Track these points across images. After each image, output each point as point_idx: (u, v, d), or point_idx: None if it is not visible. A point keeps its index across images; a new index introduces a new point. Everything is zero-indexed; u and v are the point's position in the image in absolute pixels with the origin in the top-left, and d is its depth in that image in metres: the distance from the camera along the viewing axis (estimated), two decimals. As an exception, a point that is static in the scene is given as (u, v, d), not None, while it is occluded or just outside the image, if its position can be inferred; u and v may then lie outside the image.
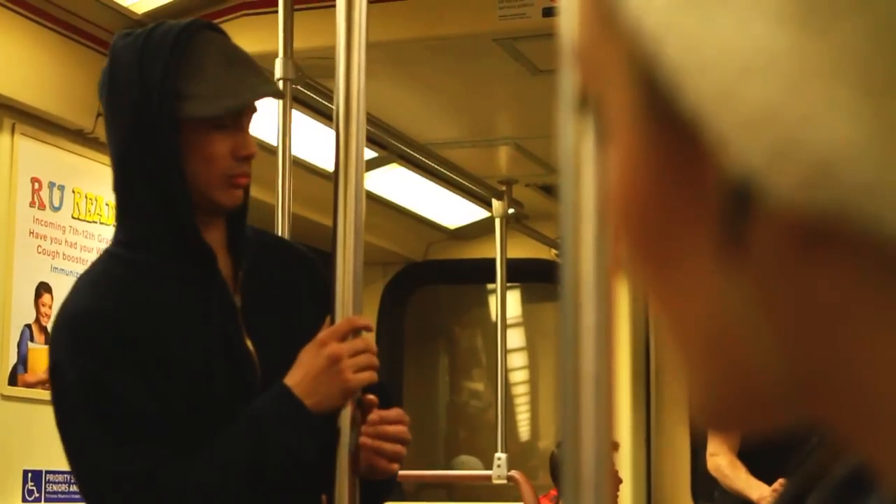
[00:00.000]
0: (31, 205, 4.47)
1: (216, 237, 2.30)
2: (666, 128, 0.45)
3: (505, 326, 5.82)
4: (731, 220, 0.43)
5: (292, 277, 2.40)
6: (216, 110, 2.23)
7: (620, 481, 5.04)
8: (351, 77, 2.38)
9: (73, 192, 4.72)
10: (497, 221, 5.79)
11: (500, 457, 5.53)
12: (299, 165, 4.69)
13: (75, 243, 4.73)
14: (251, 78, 2.27)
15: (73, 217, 4.72)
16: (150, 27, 2.30)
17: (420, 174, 5.98)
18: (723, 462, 4.92)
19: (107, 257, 2.30)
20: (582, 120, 0.98)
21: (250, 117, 2.32)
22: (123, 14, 4.58)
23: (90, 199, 4.81)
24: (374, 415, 2.33)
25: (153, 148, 2.21)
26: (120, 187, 2.27)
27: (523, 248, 6.45)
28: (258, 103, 2.33)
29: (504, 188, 5.91)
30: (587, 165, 0.99)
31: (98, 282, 2.25)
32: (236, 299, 2.28)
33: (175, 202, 2.22)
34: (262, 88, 2.30)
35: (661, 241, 0.47)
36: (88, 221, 4.81)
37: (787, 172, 0.41)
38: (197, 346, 2.21)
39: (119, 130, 2.25)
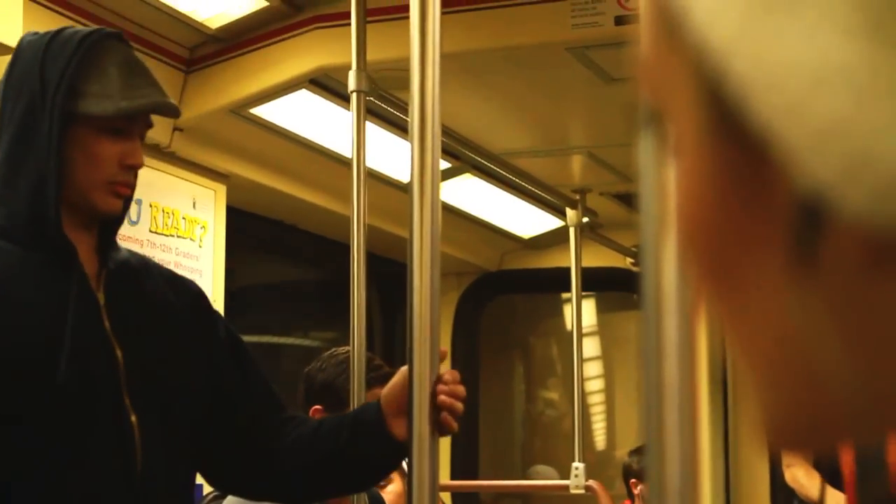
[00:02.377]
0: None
1: (84, 238, 2.33)
2: (733, 143, 0.44)
3: (580, 335, 5.80)
4: (802, 237, 0.43)
5: (165, 289, 2.43)
6: (108, 109, 2.26)
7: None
8: (425, 88, 2.38)
9: (151, 206, 4.77)
10: (571, 230, 5.77)
11: (578, 466, 5.50)
12: (374, 177, 4.71)
13: (153, 256, 4.77)
14: (149, 88, 2.31)
15: (150, 231, 4.77)
16: (58, 29, 2.36)
17: (494, 184, 5.97)
18: (799, 472, 4.87)
19: None
20: (656, 131, 0.98)
21: (144, 130, 2.35)
22: (198, 29, 4.62)
23: (167, 212, 4.86)
24: (449, 374, 2.36)
25: (37, 137, 2.25)
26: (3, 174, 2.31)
27: (598, 257, 6.43)
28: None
29: (578, 197, 5.89)
30: (667, 173, 0.99)
31: None
32: (99, 296, 2.30)
33: (43, 194, 2.25)
34: (159, 100, 2.32)
35: (728, 260, 0.46)
36: (166, 235, 4.85)
37: (859, 186, 0.41)
38: (43, 333, 2.22)
39: (11, 119, 2.30)
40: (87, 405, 2.23)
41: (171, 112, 2.38)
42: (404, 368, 2.43)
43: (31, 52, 2.32)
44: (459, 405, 2.35)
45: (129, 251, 2.47)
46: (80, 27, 2.38)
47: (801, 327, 0.44)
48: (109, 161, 2.29)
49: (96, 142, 2.29)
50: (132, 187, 2.35)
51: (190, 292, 2.51)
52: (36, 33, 2.39)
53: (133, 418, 2.28)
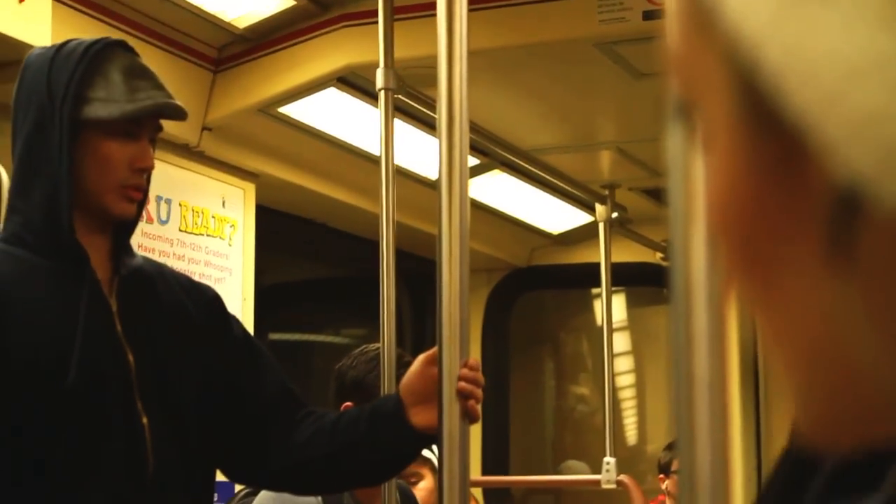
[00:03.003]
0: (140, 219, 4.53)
1: (98, 243, 2.36)
2: (768, 135, 0.44)
3: (611, 330, 5.79)
4: (838, 228, 0.42)
5: (179, 295, 2.45)
6: (114, 113, 2.29)
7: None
8: (453, 85, 2.39)
9: (180, 205, 4.79)
10: (601, 226, 5.76)
11: (609, 461, 5.50)
12: (403, 174, 4.71)
13: (183, 255, 4.79)
14: (153, 91, 2.33)
15: (180, 230, 4.78)
16: (63, 42, 2.41)
17: (523, 180, 5.97)
18: None
19: None
20: (685, 125, 0.98)
21: (153, 133, 2.37)
22: (226, 29, 4.63)
23: (196, 212, 4.88)
24: (473, 361, 2.37)
25: (48, 147, 2.29)
26: (13, 186, 2.35)
27: (627, 252, 6.42)
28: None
29: (607, 192, 5.88)
30: (696, 168, 0.99)
31: None
32: (112, 301, 2.31)
33: (56, 200, 2.27)
34: (162, 101, 2.34)
35: (762, 252, 0.46)
36: (195, 234, 4.87)
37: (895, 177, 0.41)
38: (55, 338, 2.24)
39: (21, 132, 2.35)
40: (98, 408, 2.26)
41: (177, 114, 2.39)
42: (421, 357, 2.45)
43: (37, 66, 2.37)
44: (479, 392, 2.36)
45: (145, 258, 2.49)
46: (85, 38, 2.40)
47: (838, 320, 0.44)
48: (119, 165, 2.32)
49: (105, 146, 2.32)
50: (144, 191, 2.37)
51: (204, 297, 2.53)
52: (42, 47, 2.44)
53: (144, 420, 2.30)
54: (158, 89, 2.36)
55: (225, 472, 2.62)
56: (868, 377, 0.44)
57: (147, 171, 2.36)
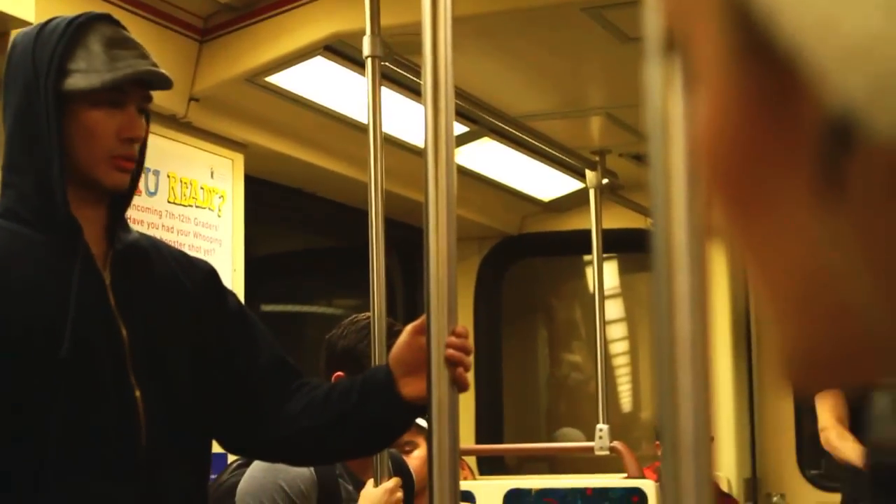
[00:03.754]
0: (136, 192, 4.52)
1: (93, 217, 2.36)
2: (760, 64, 0.43)
3: (603, 297, 5.79)
4: (829, 158, 0.41)
5: (174, 269, 2.46)
6: (94, 83, 2.30)
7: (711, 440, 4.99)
8: (438, 51, 2.37)
9: (168, 176, 4.77)
10: (591, 192, 5.76)
11: (602, 428, 5.51)
12: (391, 143, 4.70)
13: (172, 227, 4.78)
14: (134, 59, 2.33)
15: (168, 201, 4.77)
16: (47, 20, 2.43)
17: (513, 147, 5.96)
18: (832, 435, 4.86)
19: None
20: (670, 80, 0.97)
21: (141, 102, 2.36)
22: (212, -1, 4.61)
23: (185, 183, 4.86)
24: (462, 328, 2.36)
25: (37, 122, 2.30)
26: (5, 162, 2.37)
27: (618, 219, 6.41)
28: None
29: (597, 158, 5.87)
30: (676, 127, 0.98)
31: None
32: (105, 275, 2.32)
33: (49, 174, 2.28)
34: (143, 69, 2.33)
35: (752, 186, 0.45)
36: (184, 205, 4.86)
37: (890, 106, 0.40)
38: (47, 311, 2.25)
39: (10, 110, 2.37)
40: (90, 381, 2.26)
41: (161, 82, 2.39)
42: (409, 327, 2.45)
43: (23, 45, 2.39)
44: (468, 360, 2.36)
45: (141, 233, 2.49)
46: (67, 15, 2.41)
47: (827, 254, 0.43)
48: (107, 135, 2.32)
49: (91, 117, 2.32)
50: (134, 160, 2.36)
51: (200, 271, 2.53)
52: (29, 27, 2.46)
53: (137, 393, 2.30)
54: (141, 58, 2.36)
55: (220, 443, 2.63)
56: (856, 314, 0.43)
57: (136, 140, 2.35)
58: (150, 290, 2.40)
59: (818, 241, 0.43)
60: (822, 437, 4.94)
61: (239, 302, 2.59)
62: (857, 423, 4.83)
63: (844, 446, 4.81)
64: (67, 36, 2.33)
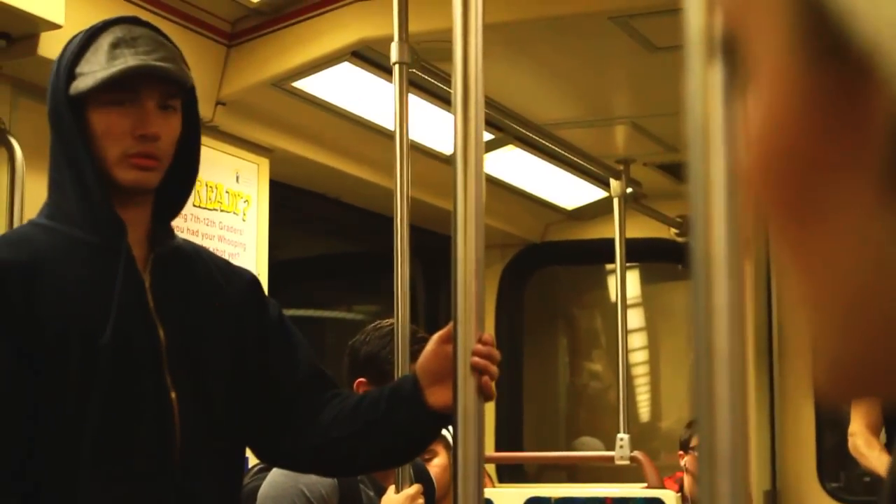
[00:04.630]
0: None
1: (135, 220, 2.37)
2: (830, 62, 0.43)
3: (625, 306, 5.78)
4: None
5: (215, 276, 2.46)
6: (89, 83, 2.31)
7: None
8: (468, 59, 2.37)
9: (195, 180, 4.78)
10: (615, 201, 5.75)
11: (623, 437, 5.50)
12: (417, 149, 4.70)
13: (197, 231, 4.78)
14: (133, 56, 2.32)
15: (193, 205, 4.78)
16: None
17: (538, 155, 5.95)
18: (860, 441, 4.80)
19: (29, 226, 2.39)
20: (710, 88, 0.97)
21: (159, 98, 2.34)
22: (241, 3, 4.61)
23: (210, 186, 4.87)
24: (488, 336, 2.35)
25: (63, 130, 2.34)
26: (51, 164, 2.39)
27: (642, 228, 6.40)
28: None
29: (622, 167, 5.86)
30: (716, 139, 0.97)
31: (13, 242, 2.36)
32: (145, 276, 2.32)
33: (85, 177, 2.30)
34: (135, 63, 2.31)
35: (811, 189, 0.44)
36: (209, 209, 4.86)
37: None
38: (88, 311, 2.27)
39: (49, 120, 2.39)
40: (127, 382, 2.27)
41: (167, 74, 2.36)
42: (436, 336, 2.44)
43: (58, 56, 2.42)
44: (494, 368, 2.35)
45: (185, 240, 2.50)
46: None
47: (889, 263, 0.43)
48: (122, 134, 2.33)
49: (105, 119, 2.33)
50: (152, 157, 2.35)
51: (242, 279, 2.54)
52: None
53: (173, 395, 2.31)
54: (148, 54, 2.34)
55: (253, 451, 2.63)
56: None
57: (152, 137, 2.34)
58: (191, 295, 2.41)
59: (879, 248, 0.43)
60: (851, 442, 4.87)
61: (280, 311, 2.59)
62: (890, 432, 4.77)
63: (871, 454, 4.75)
64: (80, 41, 2.35)
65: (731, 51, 0.49)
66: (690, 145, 0.96)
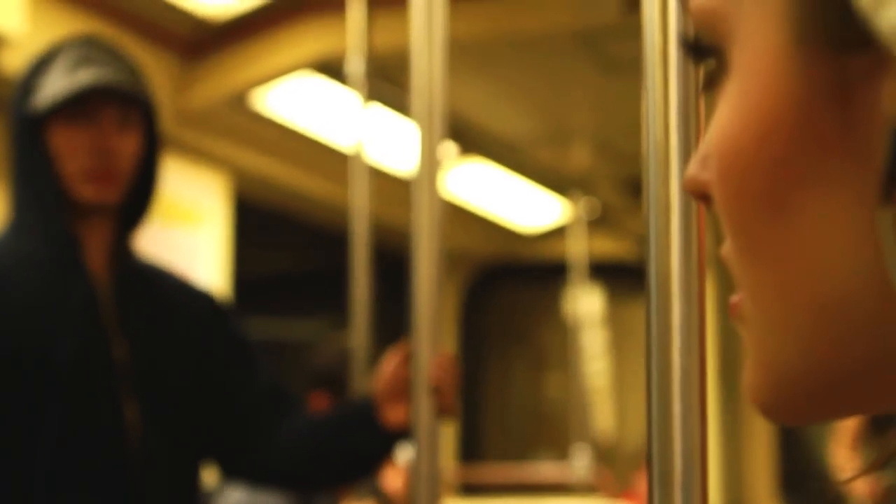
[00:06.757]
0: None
1: (97, 236, 2.37)
2: (829, 59, 0.42)
3: (586, 325, 5.79)
4: None
5: (174, 292, 2.47)
6: (51, 101, 2.30)
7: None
8: (434, 76, 2.36)
9: (154, 194, 4.76)
10: (577, 219, 5.76)
11: (582, 454, 5.50)
12: (379, 170, 4.69)
13: (155, 246, 4.76)
14: (90, 72, 2.33)
15: (152, 220, 4.75)
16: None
17: (500, 171, 5.96)
18: (841, 454, 4.75)
19: None
20: (666, 104, 0.96)
21: (115, 114, 2.35)
22: (200, 18, 4.60)
23: (169, 202, 4.84)
24: (446, 355, 2.34)
25: (23, 147, 2.34)
26: (11, 183, 2.39)
27: (605, 246, 6.42)
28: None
29: (584, 187, 5.88)
30: (673, 157, 0.97)
31: None
32: (105, 294, 2.33)
33: (43, 193, 2.32)
34: (84, 82, 2.33)
35: (791, 193, 0.43)
36: (169, 225, 4.84)
37: None
38: (43, 327, 2.26)
39: (8, 133, 2.39)
40: (84, 399, 2.27)
41: (117, 90, 2.35)
42: (393, 353, 2.44)
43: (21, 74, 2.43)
44: (451, 387, 2.34)
45: (146, 257, 2.50)
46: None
47: (867, 268, 0.42)
48: (80, 151, 2.34)
49: (64, 135, 2.35)
50: (108, 171, 2.35)
51: (201, 296, 2.54)
52: None
53: (131, 412, 2.30)
54: (102, 71, 2.34)
55: (216, 467, 2.63)
56: (882, 332, 0.42)
57: (108, 153, 2.34)
58: (150, 311, 2.41)
59: (859, 251, 0.42)
60: (834, 454, 4.83)
61: (239, 329, 2.59)
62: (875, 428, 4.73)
63: (849, 469, 4.73)
64: (40, 58, 2.37)
65: (702, 54, 0.48)
66: (645, 164, 0.96)
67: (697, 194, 0.49)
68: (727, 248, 0.47)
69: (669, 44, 0.98)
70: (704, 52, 0.48)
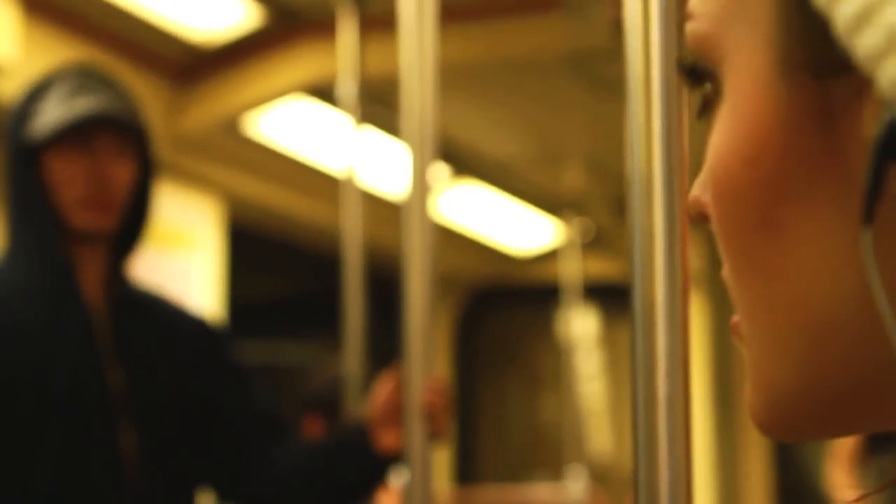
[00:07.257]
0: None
1: (92, 265, 2.37)
2: (816, 85, 0.43)
3: (582, 347, 5.79)
4: (880, 178, 0.41)
5: (171, 319, 2.47)
6: (47, 130, 2.32)
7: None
8: (424, 98, 2.36)
9: (147, 219, 4.75)
10: (571, 241, 5.76)
11: (577, 475, 5.50)
12: (372, 195, 4.69)
13: (149, 271, 4.75)
14: (87, 102, 2.33)
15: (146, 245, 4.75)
16: None
17: (493, 193, 5.96)
18: (837, 474, 4.74)
19: None
20: (651, 127, 0.96)
21: (110, 142, 2.36)
22: (193, 44, 4.61)
23: (163, 227, 4.84)
24: (438, 379, 2.35)
25: (16, 173, 2.35)
26: (7, 212, 2.40)
27: (598, 267, 6.41)
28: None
29: (577, 208, 5.88)
30: (657, 180, 0.97)
31: None
32: (101, 322, 2.32)
33: (39, 222, 2.33)
34: (79, 114, 2.33)
35: (783, 213, 0.44)
36: (162, 250, 4.83)
37: None
38: (40, 356, 2.27)
39: (4, 162, 2.40)
40: (81, 425, 2.26)
41: (112, 119, 2.36)
42: (385, 379, 2.44)
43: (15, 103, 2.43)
44: (445, 411, 2.34)
45: (140, 284, 2.50)
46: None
47: (853, 289, 0.42)
48: (75, 179, 2.34)
49: (58, 165, 2.35)
50: (103, 199, 2.35)
51: (196, 322, 2.54)
52: None
53: (126, 438, 2.30)
54: (97, 100, 2.34)
55: (214, 493, 2.63)
56: (878, 357, 0.42)
57: (103, 180, 2.34)
58: (146, 339, 2.41)
59: (851, 275, 0.42)
60: (830, 473, 4.82)
61: (234, 355, 2.59)
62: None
63: (840, 488, 4.71)
64: (35, 87, 2.38)
65: (699, 78, 0.49)
66: (630, 188, 0.96)
67: (699, 216, 0.50)
68: (727, 270, 0.48)
69: (652, 71, 0.99)
70: (701, 76, 0.49)
